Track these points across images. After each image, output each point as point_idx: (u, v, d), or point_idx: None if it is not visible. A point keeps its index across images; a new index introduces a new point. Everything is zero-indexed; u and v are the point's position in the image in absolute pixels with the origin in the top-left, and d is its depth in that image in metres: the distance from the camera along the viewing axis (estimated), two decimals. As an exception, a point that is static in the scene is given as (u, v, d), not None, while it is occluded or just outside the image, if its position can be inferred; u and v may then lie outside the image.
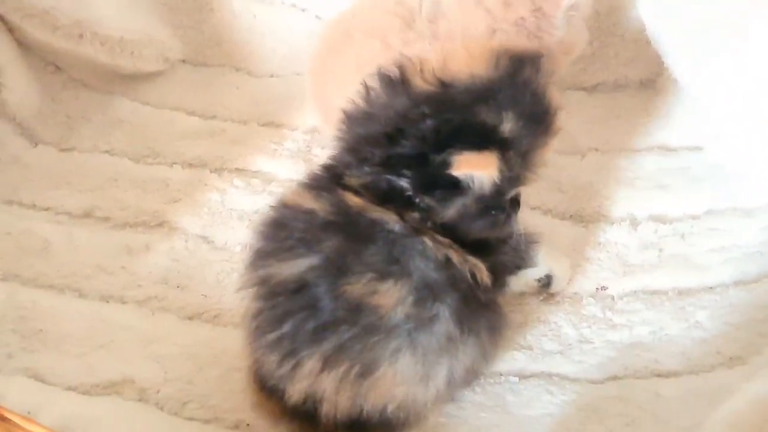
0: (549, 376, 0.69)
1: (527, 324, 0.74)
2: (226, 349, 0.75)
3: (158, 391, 0.72)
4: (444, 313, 0.59)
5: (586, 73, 0.99)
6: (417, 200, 0.59)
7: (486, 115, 0.57)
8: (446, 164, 0.56)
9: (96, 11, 0.98)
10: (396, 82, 0.60)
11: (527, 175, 0.60)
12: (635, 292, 0.75)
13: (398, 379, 0.58)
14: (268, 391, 0.62)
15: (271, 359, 0.59)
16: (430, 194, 0.59)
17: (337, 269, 0.56)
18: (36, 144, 1.00)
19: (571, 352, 0.70)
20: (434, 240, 0.59)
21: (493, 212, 0.61)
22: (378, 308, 0.56)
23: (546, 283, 0.74)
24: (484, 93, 0.58)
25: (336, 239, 0.57)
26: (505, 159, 0.57)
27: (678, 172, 0.85)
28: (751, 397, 0.54)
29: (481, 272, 0.62)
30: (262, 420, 0.64)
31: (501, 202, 0.61)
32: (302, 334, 0.57)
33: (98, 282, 0.83)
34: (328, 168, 0.63)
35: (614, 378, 0.67)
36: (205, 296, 0.81)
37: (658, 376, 0.67)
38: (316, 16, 1.11)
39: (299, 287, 0.57)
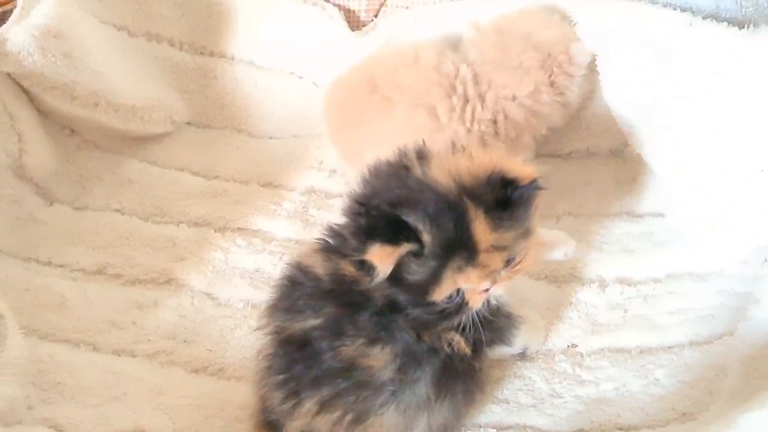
0: (524, 428, 0.76)
1: (504, 379, 0.81)
2: (229, 401, 0.82)
3: (168, 441, 0.78)
4: (425, 378, 0.68)
5: (560, 142, 1.07)
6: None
7: (413, 217, 0.62)
8: (364, 250, 0.62)
9: (111, 83, 1.06)
10: (398, 165, 0.67)
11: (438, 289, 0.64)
12: (602, 349, 0.82)
13: (386, 427, 0.67)
14: (269, 426, 0.70)
15: (276, 395, 0.68)
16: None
17: (335, 332, 0.66)
18: (51, 203, 1.08)
19: (544, 406, 0.77)
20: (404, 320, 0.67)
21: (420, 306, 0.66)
22: (368, 368, 0.65)
23: (522, 354, 0.82)
24: (432, 197, 0.63)
25: (334, 306, 0.67)
26: (414, 262, 0.63)
27: (642, 236, 0.93)
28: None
29: (459, 344, 0.69)
30: None
31: (421, 299, 0.65)
32: (305, 379, 0.67)
33: (111, 336, 0.90)
34: (337, 231, 0.69)
35: (581, 431, 0.75)
36: (210, 351, 0.88)
37: (620, 429, 0.74)
38: (313, 83, 1.20)
39: (305, 342, 0.66)
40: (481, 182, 0.63)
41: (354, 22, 1.19)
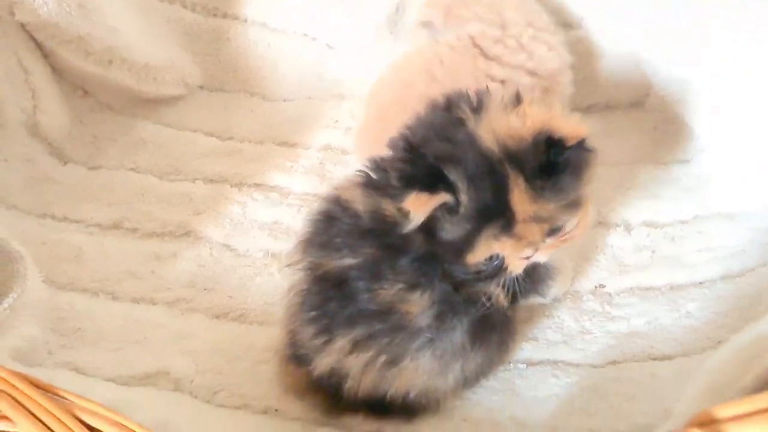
0: (554, 362, 0.75)
1: (532, 319, 0.80)
2: (252, 344, 0.81)
3: (191, 381, 0.77)
4: (461, 327, 0.66)
5: (578, 96, 1.06)
6: None
7: (454, 174, 0.60)
8: (403, 197, 0.60)
9: (125, 39, 1.05)
10: (452, 115, 0.63)
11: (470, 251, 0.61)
12: (631, 288, 0.81)
13: (419, 371, 0.66)
14: (297, 359, 0.69)
15: (307, 331, 0.67)
16: None
17: (373, 274, 0.63)
18: (65, 163, 1.06)
19: (574, 341, 0.76)
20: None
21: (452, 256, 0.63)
22: (406, 313, 0.64)
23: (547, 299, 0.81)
24: (475, 157, 0.59)
25: (374, 247, 0.64)
26: (449, 221, 0.60)
27: (668, 182, 0.92)
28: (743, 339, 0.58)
29: (497, 298, 0.67)
30: (289, 391, 0.72)
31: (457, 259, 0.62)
32: (339, 317, 0.65)
33: (129, 286, 0.88)
34: (381, 165, 0.65)
35: (613, 362, 0.74)
36: (231, 297, 0.87)
37: (653, 359, 0.73)
38: (327, 45, 1.19)
39: (341, 280, 0.64)
40: (525, 146, 0.58)
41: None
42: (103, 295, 0.87)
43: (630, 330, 0.76)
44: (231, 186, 1.03)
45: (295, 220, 0.96)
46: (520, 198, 0.59)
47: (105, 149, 1.09)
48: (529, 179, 0.59)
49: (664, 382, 0.71)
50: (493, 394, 0.72)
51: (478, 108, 0.63)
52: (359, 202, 0.66)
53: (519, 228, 0.60)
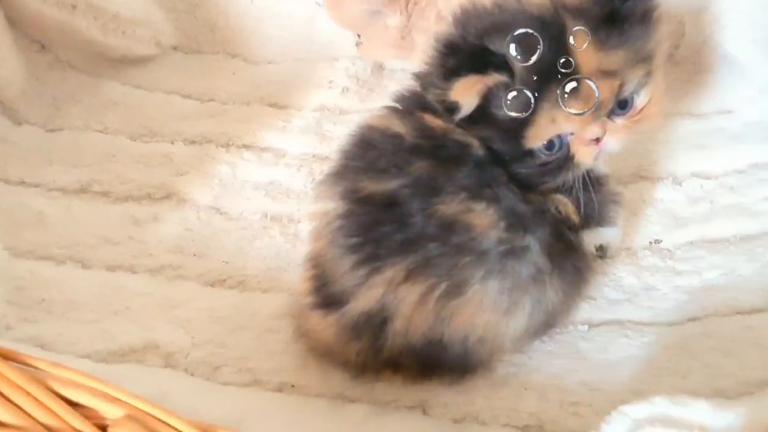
0: (620, 322, 0.64)
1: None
2: (257, 312, 0.68)
3: (187, 356, 0.64)
4: (535, 246, 0.56)
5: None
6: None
7: (499, 43, 0.53)
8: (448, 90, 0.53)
9: (92, -21, 0.92)
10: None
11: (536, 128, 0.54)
12: (693, 242, 0.71)
13: (485, 305, 0.54)
14: (325, 304, 0.57)
15: (346, 261, 0.55)
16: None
17: (429, 189, 0.54)
18: (20, 123, 0.92)
19: (638, 299, 0.66)
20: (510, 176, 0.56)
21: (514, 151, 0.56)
22: (472, 228, 0.53)
23: (602, 252, 0.70)
24: (524, 19, 0.54)
25: (426, 161, 0.54)
26: (505, 96, 0.53)
27: (713, 133, 0.83)
28: None
29: (566, 207, 0.58)
30: (315, 348, 0.60)
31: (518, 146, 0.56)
32: (389, 243, 0.53)
33: (104, 252, 0.75)
34: (411, 89, 0.60)
35: (694, 319, 0.63)
36: (227, 263, 0.74)
37: (740, 313, 0.63)
38: (316, 2, 1.07)
39: (390, 203, 0.54)
40: None
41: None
42: (72, 263, 0.73)
43: (704, 283, 0.66)
44: (217, 146, 0.90)
45: (294, 180, 0.84)
46: (581, 45, 0.52)
47: (67, 110, 0.95)
48: (592, 25, 0.52)
49: (764, 332, 0.60)
50: (554, 359, 0.61)
51: None
52: (397, 125, 0.58)
53: (585, 85, 0.52)
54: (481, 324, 0.55)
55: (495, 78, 0.52)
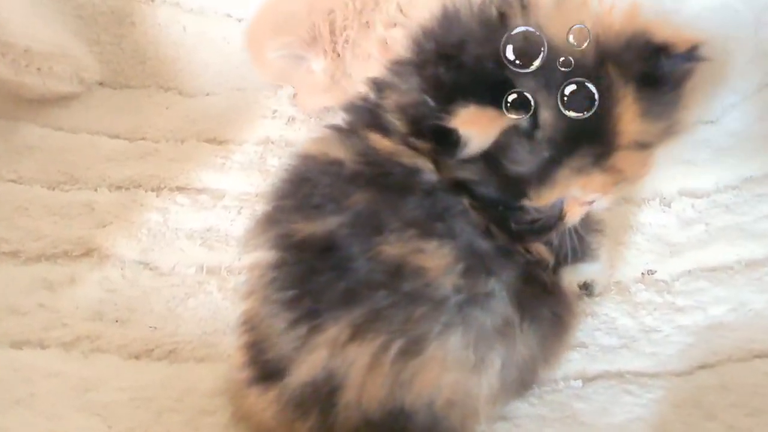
0: (619, 375, 0.55)
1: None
2: (191, 389, 0.57)
3: (103, 451, 0.52)
4: (500, 292, 0.46)
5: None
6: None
7: (528, 85, 0.43)
8: (446, 112, 0.43)
9: (-4, 13, 0.81)
10: (488, 11, 0.47)
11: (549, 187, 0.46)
12: (691, 271, 0.62)
13: (448, 363, 0.45)
14: (263, 377, 0.48)
15: (282, 319, 0.46)
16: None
17: (371, 227, 0.45)
18: None
19: (637, 344, 0.56)
20: (473, 206, 0.46)
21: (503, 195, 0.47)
22: (424, 272, 0.44)
23: (587, 290, 0.61)
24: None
25: (367, 193, 0.46)
26: (521, 146, 0.44)
27: (697, 145, 0.75)
28: None
29: (538, 248, 0.49)
30: (254, 424, 0.50)
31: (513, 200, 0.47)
32: (329, 294, 0.45)
33: (8, 325, 0.64)
34: (362, 98, 0.51)
35: (705, 366, 0.54)
36: (155, 328, 0.63)
37: (759, 357, 0.53)
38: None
39: (328, 246, 0.45)
40: (626, 43, 0.44)
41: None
42: (-31, 340, 0.61)
43: (711, 321, 0.57)
44: (146, 191, 0.79)
45: (234, 225, 0.74)
46: (627, 113, 0.43)
47: (-26, 159, 0.83)
48: (639, 88, 0.43)
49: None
50: (546, 426, 0.51)
51: (525, 3, 0.46)
52: (337, 149, 0.48)
53: (617, 157, 0.44)
54: (447, 385, 0.45)
55: (517, 121, 0.42)
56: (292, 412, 0.47)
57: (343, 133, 0.50)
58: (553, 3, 0.46)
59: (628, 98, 0.43)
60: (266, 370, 0.48)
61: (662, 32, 0.44)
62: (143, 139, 0.89)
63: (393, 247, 0.44)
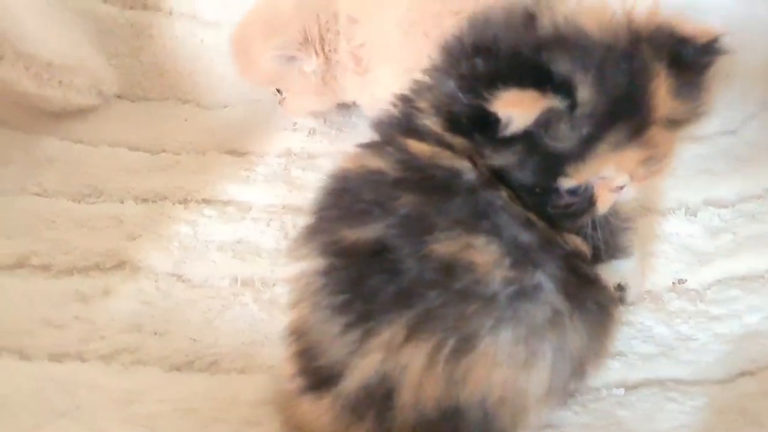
0: (660, 382, 0.55)
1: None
2: (234, 399, 0.57)
3: (152, 463, 0.52)
4: (547, 284, 0.47)
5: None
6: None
7: (565, 65, 0.45)
8: (486, 98, 0.45)
9: (20, 26, 0.82)
10: (524, 13, 0.49)
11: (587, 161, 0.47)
12: (721, 280, 0.64)
13: (500, 359, 0.46)
14: (315, 385, 0.48)
15: (334, 325, 0.47)
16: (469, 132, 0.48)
17: (420, 228, 0.46)
18: (-60, 190, 0.80)
19: (676, 352, 0.58)
20: (512, 197, 0.48)
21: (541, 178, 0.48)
22: (474, 267, 0.45)
23: (622, 291, 0.62)
24: (594, 43, 0.46)
25: (413, 195, 0.47)
26: (563, 124, 0.45)
27: (719, 155, 0.77)
28: None
29: (574, 240, 0.51)
30: None
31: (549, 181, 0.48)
32: (381, 297, 0.46)
33: (45, 338, 0.64)
34: (390, 114, 0.53)
35: (745, 374, 0.55)
36: (195, 340, 0.63)
37: (799, 362, 0.54)
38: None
39: (377, 250, 0.47)
40: (656, 29, 0.47)
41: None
42: (8, 354, 0.62)
43: (747, 330, 0.58)
44: (173, 203, 0.79)
45: (264, 236, 0.75)
46: (661, 89, 0.45)
47: (-4, 172, 0.83)
48: (671, 67, 0.46)
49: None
50: (591, 433, 0.51)
51: (550, 4, 0.49)
52: (375, 160, 0.50)
53: (651, 132, 0.46)
54: (498, 382, 0.46)
55: (555, 101, 0.44)
56: (347, 417, 0.48)
57: (377, 146, 0.51)
58: (576, 3, 0.48)
59: (662, 74, 0.45)
60: (319, 377, 0.48)
61: (684, 25, 0.47)
62: (164, 151, 0.90)
63: (443, 245, 0.45)
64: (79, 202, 0.80)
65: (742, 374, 0.55)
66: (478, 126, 0.46)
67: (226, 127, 0.93)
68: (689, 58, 0.47)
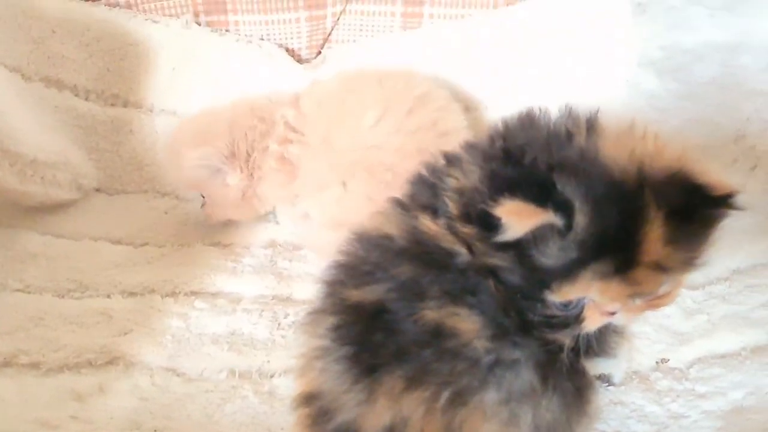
0: (659, 458, 0.58)
1: (600, 408, 0.63)
2: (245, 494, 0.57)
3: None
4: (525, 360, 0.51)
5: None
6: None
7: (570, 189, 0.48)
8: (494, 202, 0.48)
9: (9, 124, 0.83)
10: (557, 125, 0.53)
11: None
12: (701, 358, 0.68)
13: (488, 415, 0.49)
14: None
15: (344, 382, 0.51)
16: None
17: (414, 294, 0.51)
18: None
19: (669, 430, 0.60)
20: (497, 288, 0.51)
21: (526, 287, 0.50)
22: (459, 333, 0.49)
23: (605, 381, 0.66)
24: (602, 176, 0.48)
25: (411, 265, 0.51)
26: (553, 242, 0.48)
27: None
28: None
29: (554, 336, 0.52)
30: None
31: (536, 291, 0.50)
32: (384, 351, 0.50)
33: (43, 440, 0.62)
34: (430, 168, 0.56)
35: (737, 448, 0.58)
36: (197, 436, 0.63)
37: (787, 436, 0.58)
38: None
39: (378, 311, 0.51)
40: (667, 176, 0.48)
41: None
42: (4, 458, 0.60)
43: (734, 406, 0.61)
44: (162, 297, 0.80)
45: (257, 327, 0.76)
46: (654, 234, 0.47)
47: (-25, 268, 0.83)
48: (669, 217, 0.47)
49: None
50: None
51: (591, 123, 0.51)
52: (389, 224, 0.54)
53: (637, 272, 0.47)
54: None
55: (553, 219, 0.46)
56: None
57: (400, 208, 0.55)
58: (616, 131, 0.51)
59: (657, 222, 0.47)
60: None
61: (704, 174, 0.48)
62: (147, 244, 0.91)
63: (432, 312, 0.49)
64: (63, 297, 0.80)
65: (735, 449, 0.58)
66: (483, 225, 0.49)
67: (207, 220, 0.94)
68: (698, 209, 0.48)
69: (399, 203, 0.56)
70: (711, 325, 0.70)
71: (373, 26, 1.02)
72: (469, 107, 0.98)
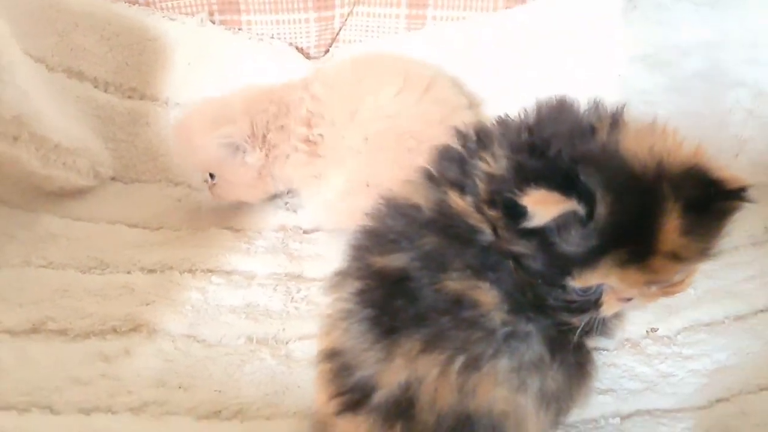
0: (649, 412, 0.63)
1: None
2: (268, 441, 0.61)
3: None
4: (536, 334, 0.55)
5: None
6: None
7: (593, 180, 0.51)
8: (521, 191, 0.51)
9: (35, 108, 0.87)
10: (583, 120, 0.56)
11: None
12: (688, 327, 0.73)
13: (500, 380, 0.54)
14: (350, 402, 0.55)
15: (365, 341, 0.55)
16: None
17: (437, 265, 0.54)
18: (-56, 264, 0.83)
19: (659, 387, 0.65)
20: (517, 271, 0.55)
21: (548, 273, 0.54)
22: (479, 304, 0.54)
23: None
24: (623, 169, 0.51)
25: (437, 237, 0.55)
26: (575, 230, 0.51)
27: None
28: None
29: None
30: None
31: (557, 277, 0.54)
32: (404, 315, 0.54)
33: (74, 394, 0.67)
34: (461, 143, 0.59)
35: (722, 400, 0.63)
36: (220, 392, 0.67)
37: (766, 389, 0.63)
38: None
39: (401, 278, 0.55)
40: (684, 171, 0.51)
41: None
42: (38, 410, 0.65)
43: (717, 366, 0.67)
44: (180, 273, 0.84)
45: (272, 300, 0.80)
46: (671, 225, 0.50)
47: (0, 247, 0.86)
48: (686, 209, 0.50)
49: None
50: (598, 457, 0.58)
51: (616, 118, 0.55)
52: (419, 196, 0.58)
53: (655, 261, 0.51)
54: (500, 398, 0.54)
55: (576, 207, 0.50)
56: (379, 429, 0.54)
57: (429, 181, 0.59)
58: (637, 127, 0.55)
59: (674, 213, 0.50)
60: (354, 393, 0.55)
61: (719, 170, 0.51)
62: (163, 227, 0.95)
63: (455, 282, 0.53)
64: (86, 273, 0.84)
65: (719, 401, 0.63)
66: (509, 212, 0.53)
67: (220, 207, 0.99)
68: (713, 202, 0.51)
69: (429, 175, 0.59)
70: (696, 298, 0.76)
71: (378, 27, 1.07)
72: (471, 105, 1.03)
